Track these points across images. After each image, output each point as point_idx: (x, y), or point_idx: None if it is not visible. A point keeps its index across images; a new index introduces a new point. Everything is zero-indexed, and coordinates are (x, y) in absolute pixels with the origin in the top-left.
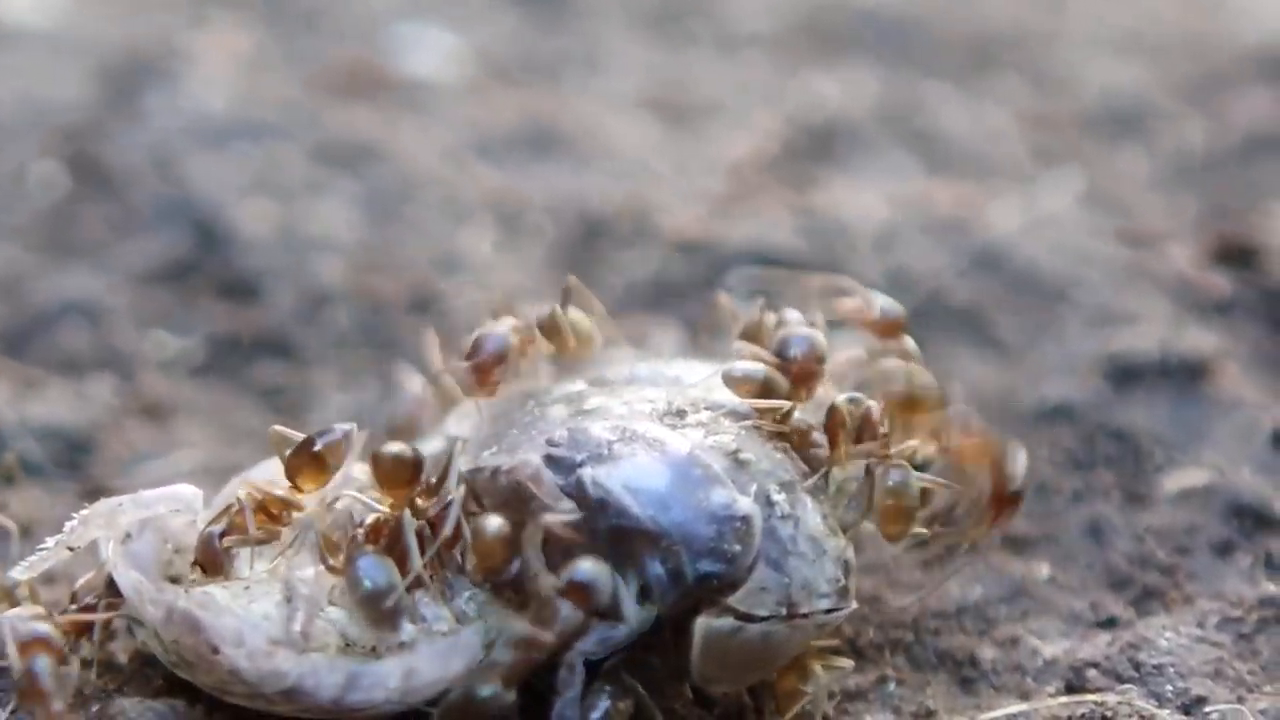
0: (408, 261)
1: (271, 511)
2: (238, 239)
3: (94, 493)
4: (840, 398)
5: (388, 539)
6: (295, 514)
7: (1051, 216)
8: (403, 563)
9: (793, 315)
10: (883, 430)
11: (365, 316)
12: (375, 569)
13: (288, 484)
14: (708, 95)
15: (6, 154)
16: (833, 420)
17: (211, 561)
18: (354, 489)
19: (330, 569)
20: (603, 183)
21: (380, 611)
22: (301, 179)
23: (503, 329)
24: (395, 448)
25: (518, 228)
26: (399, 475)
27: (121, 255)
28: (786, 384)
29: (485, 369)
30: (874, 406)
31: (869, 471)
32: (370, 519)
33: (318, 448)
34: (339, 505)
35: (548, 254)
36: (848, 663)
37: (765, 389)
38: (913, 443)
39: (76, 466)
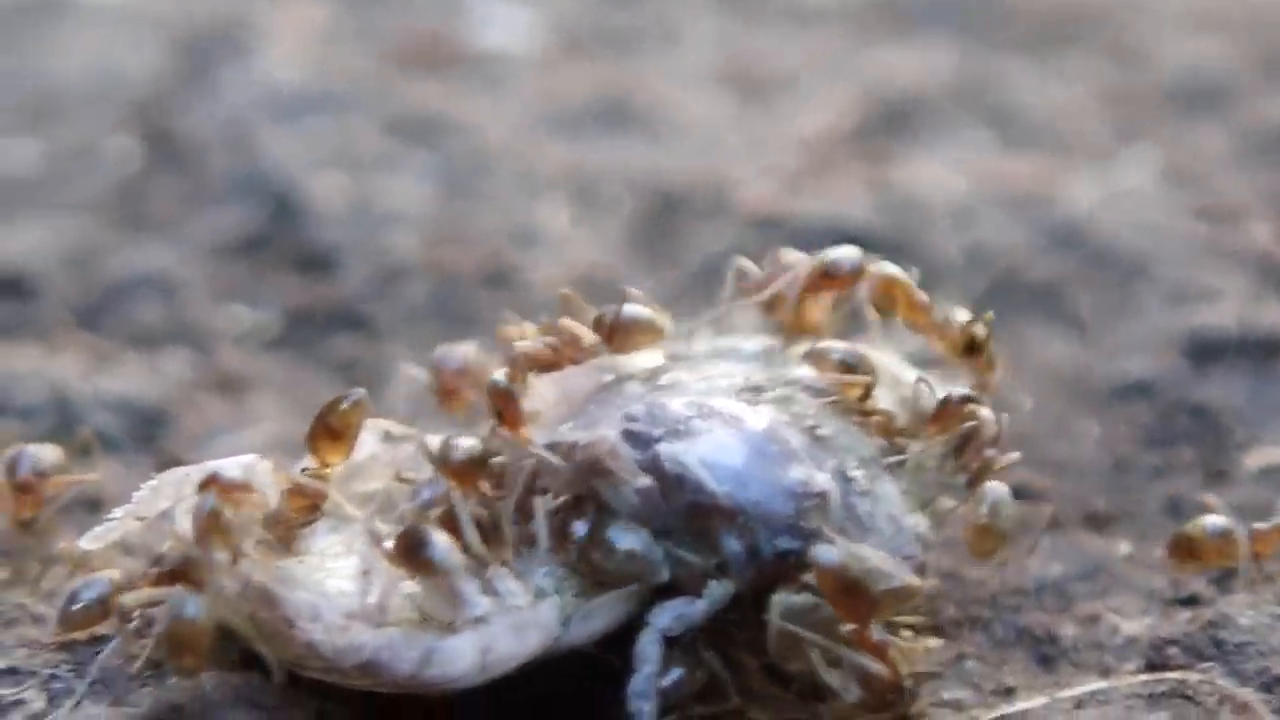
0: (482, 235)
1: (305, 492)
2: (312, 212)
3: (168, 466)
4: (954, 392)
5: (445, 521)
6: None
7: (1130, 192)
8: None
9: (794, 255)
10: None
11: (439, 290)
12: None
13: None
14: (783, 69)
15: (80, 128)
16: (944, 411)
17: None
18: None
19: (388, 555)
20: (678, 157)
21: (441, 593)
22: (375, 152)
23: (459, 352)
24: (465, 445)
25: (593, 202)
26: (469, 471)
27: (195, 229)
28: (872, 367)
29: (448, 390)
30: (992, 417)
31: (972, 482)
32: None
33: (330, 419)
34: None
35: (624, 228)
36: (936, 641)
37: (849, 369)
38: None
39: (151, 440)
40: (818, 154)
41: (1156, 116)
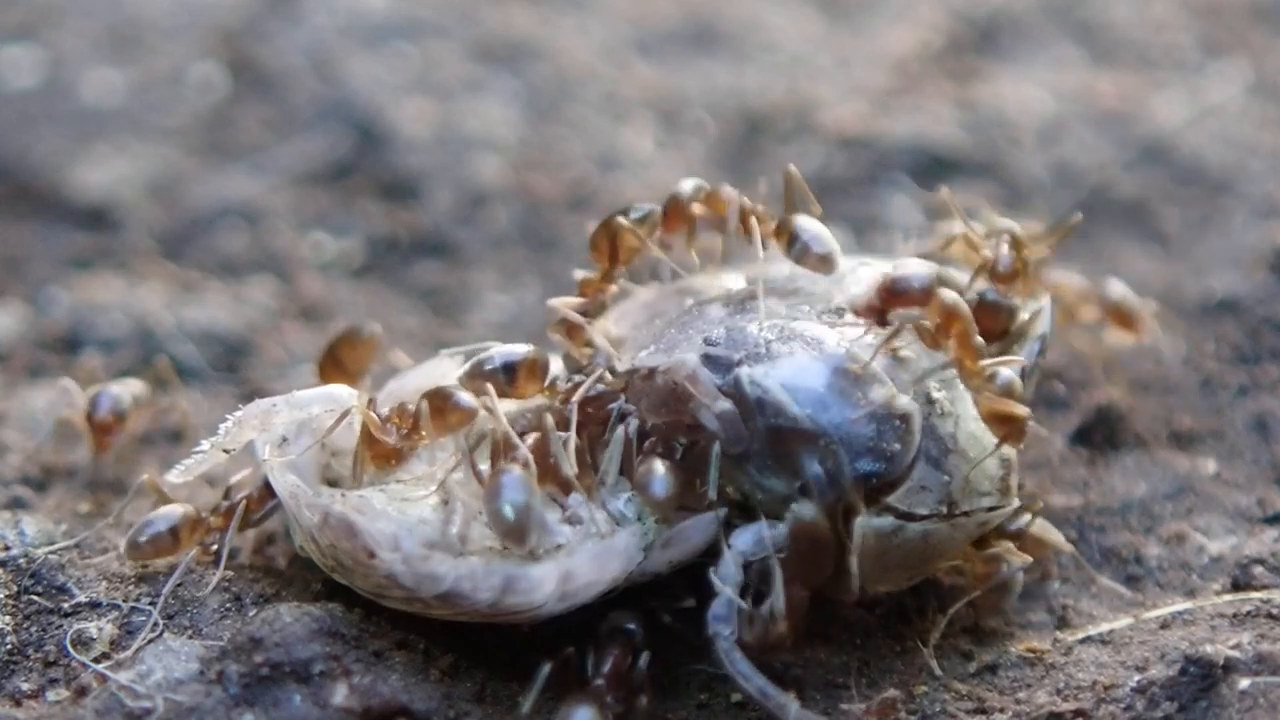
0: (567, 160)
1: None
2: (396, 139)
3: (252, 396)
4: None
5: (536, 447)
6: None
7: (1218, 107)
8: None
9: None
10: None
11: (524, 216)
12: (515, 488)
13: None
14: None
15: (165, 56)
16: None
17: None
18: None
19: (480, 480)
20: (763, 78)
21: (515, 531)
22: (460, 78)
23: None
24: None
25: (678, 125)
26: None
27: (280, 156)
28: (958, 288)
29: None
30: None
31: None
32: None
33: (340, 352)
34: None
35: (709, 151)
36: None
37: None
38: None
39: (234, 369)
40: (904, 73)
41: (1245, 30)
